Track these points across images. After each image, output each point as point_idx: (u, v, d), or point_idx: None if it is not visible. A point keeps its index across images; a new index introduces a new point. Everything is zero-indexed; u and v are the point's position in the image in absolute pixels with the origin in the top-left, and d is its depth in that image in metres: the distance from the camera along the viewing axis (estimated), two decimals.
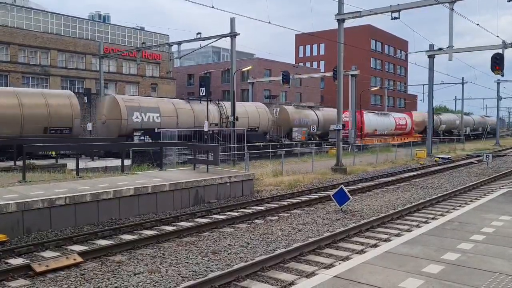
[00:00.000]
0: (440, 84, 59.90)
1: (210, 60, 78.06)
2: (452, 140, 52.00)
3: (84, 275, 7.66)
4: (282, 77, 37.66)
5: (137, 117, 26.28)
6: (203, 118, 27.61)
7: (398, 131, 52.29)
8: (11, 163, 19.26)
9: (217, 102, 32.20)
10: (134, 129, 25.94)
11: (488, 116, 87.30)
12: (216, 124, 30.50)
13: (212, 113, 30.06)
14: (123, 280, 7.41)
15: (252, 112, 34.01)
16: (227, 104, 31.76)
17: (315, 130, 39.50)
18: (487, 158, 28.74)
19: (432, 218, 12.30)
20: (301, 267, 8.14)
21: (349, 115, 42.91)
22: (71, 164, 18.50)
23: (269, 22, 19.82)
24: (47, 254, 8.94)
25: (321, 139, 40.79)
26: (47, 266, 7.86)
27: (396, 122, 51.63)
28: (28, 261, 8.36)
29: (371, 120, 47.02)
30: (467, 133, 66.67)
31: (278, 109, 37.44)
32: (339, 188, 13.63)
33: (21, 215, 10.07)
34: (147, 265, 8.18)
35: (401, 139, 50.69)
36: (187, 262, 8.34)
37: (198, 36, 28.15)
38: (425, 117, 56.80)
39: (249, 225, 11.60)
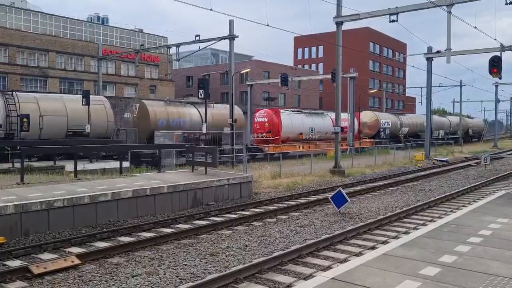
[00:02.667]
0: (439, 86, 60.02)
1: (208, 62, 78.20)
2: (449, 143, 51.00)
3: (82, 277, 7.67)
4: (281, 79, 37.60)
5: None
6: None
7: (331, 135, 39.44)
8: (9, 164, 19.25)
9: (7, 93, 23.75)
10: None
11: (471, 117, 77.91)
12: None
13: None
14: (121, 282, 7.42)
15: (75, 109, 24.74)
16: (24, 96, 23.92)
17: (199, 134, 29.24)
18: (485, 161, 28.79)
19: (430, 221, 12.33)
20: (299, 269, 8.16)
21: (265, 114, 35.40)
22: (69, 166, 18.49)
23: (268, 25, 19.85)
24: (45, 256, 8.94)
25: (211, 144, 29.26)
26: (45, 268, 7.87)
27: (334, 124, 40.29)
28: (26, 263, 8.37)
29: (294, 121, 36.10)
30: (440, 136, 57.27)
31: (138, 105, 28.44)
32: (337, 190, 13.66)
33: (19, 217, 10.07)
34: (145, 267, 8.19)
35: (341, 145, 38.41)
36: (185, 264, 8.35)
37: (197, 38, 28.19)
38: (378, 118, 47.57)
39: (247, 227, 11.61)
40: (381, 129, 47.13)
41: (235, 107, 33.79)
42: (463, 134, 63.42)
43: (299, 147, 34.66)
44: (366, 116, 47.03)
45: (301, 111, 39.05)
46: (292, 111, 38.66)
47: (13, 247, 9.24)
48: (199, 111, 30.56)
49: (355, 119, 42.39)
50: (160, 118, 28.00)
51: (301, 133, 36.54)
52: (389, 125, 48.37)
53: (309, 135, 37.17)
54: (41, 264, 8.00)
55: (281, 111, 36.21)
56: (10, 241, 9.66)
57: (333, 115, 39.82)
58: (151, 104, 28.74)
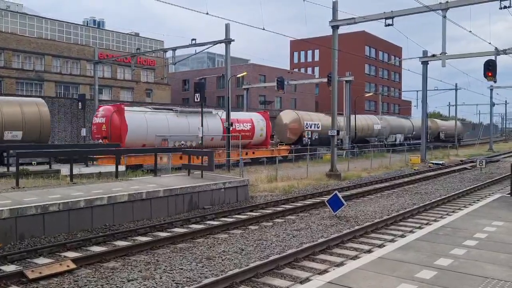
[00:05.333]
0: (434, 90, 60.28)
1: (205, 66, 78.28)
2: (446, 146, 50.75)
3: (77, 282, 7.63)
4: (277, 83, 37.65)
5: None
6: None
7: (233, 140, 27.49)
8: (4, 168, 19.15)
9: None
10: None
11: (444, 119, 68.52)
12: None
13: None
14: (117, 286, 7.39)
15: None
16: None
17: None
18: (481, 164, 28.89)
19: (426, 224, 12.35)
20: (295, 273, 8.15)
21: (103, 113, 25.11)
22: (65, 170, 18.41)
23: (263, 29, 19.92)
24: (41, 260, 8.89)
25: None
26: (40, 272, 7.82)
27: (224, 126, 27.80)
28: (21, 267, 8.32)
29: (151, 123, 25.50)
30: (397, 141, 48.06)
31: None
32: (333, 194, 13.66)
33: (14, 221, 10.02)
34: (141, 272, 8.16)
35: (237, 155, 25.39)
36: (181, 269, 8.33)
37: (193, 42, 28.20)
38: (301, 119, 36.55)
39: (243, 231, 11.59)
40: (306, 133, 36.64)
41: (36, 100, 23.46)
42: (431, 138, 53.20)
43: (161, 159, 23.28)
44: (288, 116, 37.35)
45: (170, 109, 27.50)
46: (154, 108, 27.98)
47: (8, 252, 9.19)
48: None
49: (267, 121, 34.45)
50: None
51: (165, 140, 25.79)
52: (318, 127, 37.82)
53: (181, 143, 26.18)
54: (36, 269, 7.95)
55: (128, 108, 25.39)
56: (5, 246, 9.60)
57: (224, 115, 28.09)
58: None
